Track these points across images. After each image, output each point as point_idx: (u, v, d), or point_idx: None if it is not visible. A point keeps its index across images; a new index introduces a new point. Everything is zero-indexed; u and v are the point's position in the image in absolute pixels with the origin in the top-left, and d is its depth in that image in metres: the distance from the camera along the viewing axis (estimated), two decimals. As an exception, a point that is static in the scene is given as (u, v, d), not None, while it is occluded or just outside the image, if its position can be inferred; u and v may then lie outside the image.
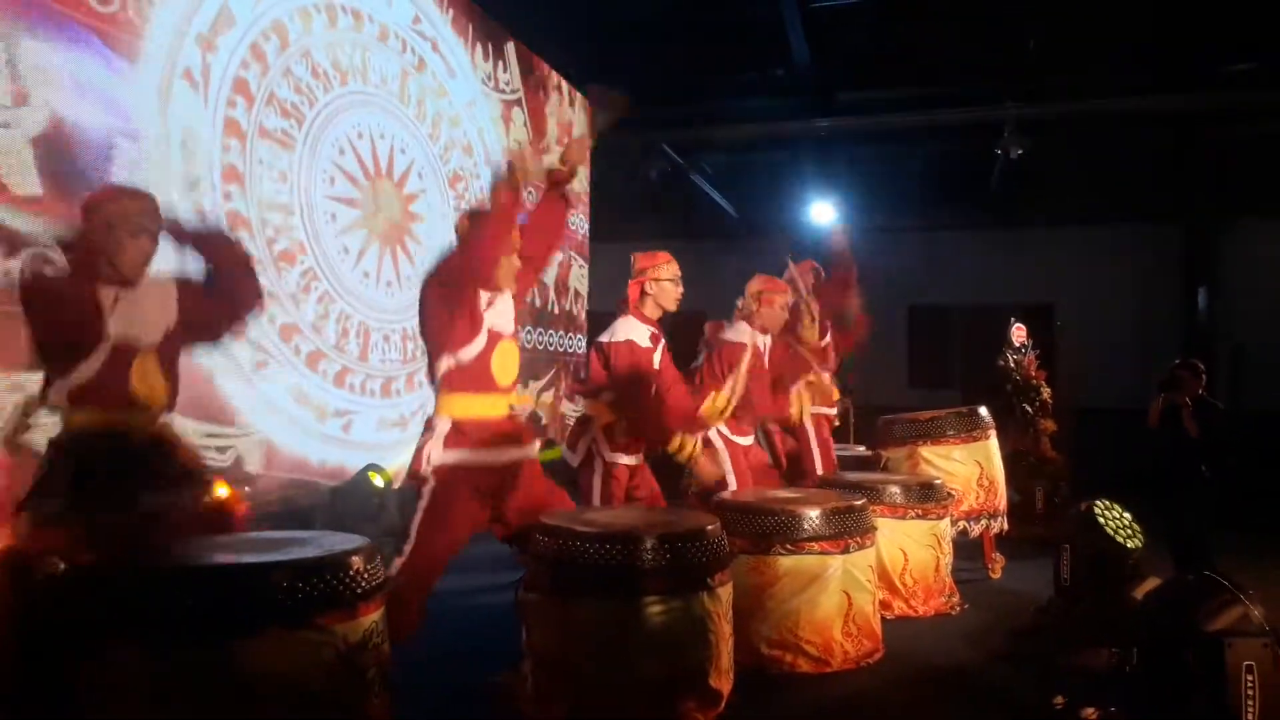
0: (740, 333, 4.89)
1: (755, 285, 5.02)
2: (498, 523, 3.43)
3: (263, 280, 5.17)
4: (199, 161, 4.97)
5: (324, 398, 5.80)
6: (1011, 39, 9.25)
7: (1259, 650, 2.75)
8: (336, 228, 6.02)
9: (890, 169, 11.81)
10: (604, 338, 4.18)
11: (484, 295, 3.38)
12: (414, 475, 3.34)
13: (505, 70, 8.46)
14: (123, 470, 2.84)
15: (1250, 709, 2.72)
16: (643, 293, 4.22)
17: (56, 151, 4.13)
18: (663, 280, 4.21)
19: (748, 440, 4.89)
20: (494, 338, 3.35)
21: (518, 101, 8.67)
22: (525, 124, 8.78)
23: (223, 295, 3.13)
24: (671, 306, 4.26)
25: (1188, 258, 11.84)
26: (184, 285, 3.09)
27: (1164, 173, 11.25)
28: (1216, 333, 11.61)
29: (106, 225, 2.89)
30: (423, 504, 3.27)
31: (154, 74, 4.71)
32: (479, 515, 3.36)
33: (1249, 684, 2.72)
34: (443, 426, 3.32)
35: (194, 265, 3.10)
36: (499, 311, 3.43)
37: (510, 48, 8.52)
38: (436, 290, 3.29)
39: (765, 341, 5.01)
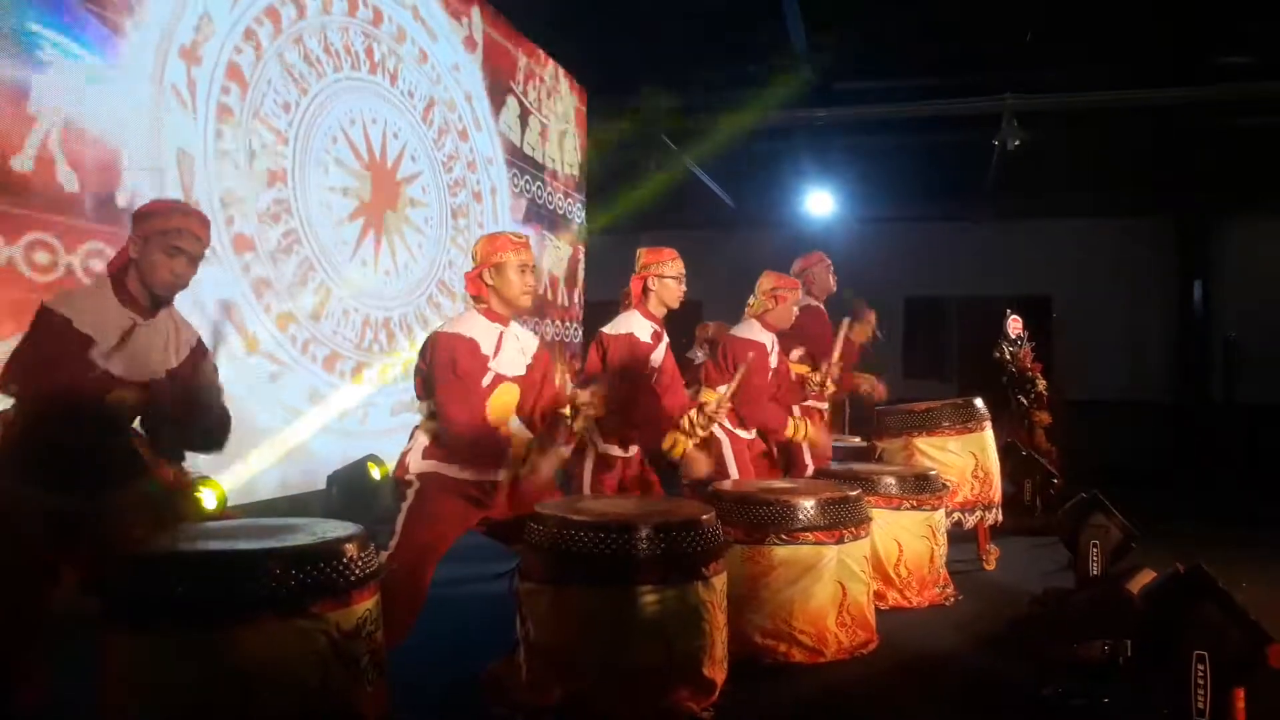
0: (753, 330, 4.86)
1: (767, 282, 4.94)
2: (484, 522, 3.42)
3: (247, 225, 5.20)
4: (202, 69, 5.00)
5: (266, 338, 5.54)
6: (1009, 30, 9.23)
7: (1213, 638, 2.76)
8: (327, 181, 6.02)
9: (887, 160, 11.78)
10: (607, 329, 4.17)
11: (493, 341, 3.36)
12: (397, 480, 3.35)
13: (550, 95, 8.99)
14: (77, 459, 2.74)
15: (1200, 697, 2.74)
16: (645, 288, 4.20)
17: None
18: (666, 277, 4.18)
19: (750, 434, 4.88)
20: (497, 380, 3.34)
21: (564, 128, 9.18)
22: (576, 148, 9.47)
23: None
24: (674, 304, 4.23)
25: (1184, 251, 11.87)
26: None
27: (1161, 166, 11.25)
28: (1211, 326, 11.64)
29: (144, 239, 2.82)
30: (407, 504, 3.26)
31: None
32: (465, 516, 3.34)
33: (1199, 674, 2.73)
34: (423, 438, 3.34)
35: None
36: (508, 355, 3.41)
37: (551, 66, 9.02)
38: (448, 369, 3.24)
39: (774, 341, 4.97)
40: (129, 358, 2.85)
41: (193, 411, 2.96)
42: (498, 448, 3.28)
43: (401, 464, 3.35)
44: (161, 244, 2.81)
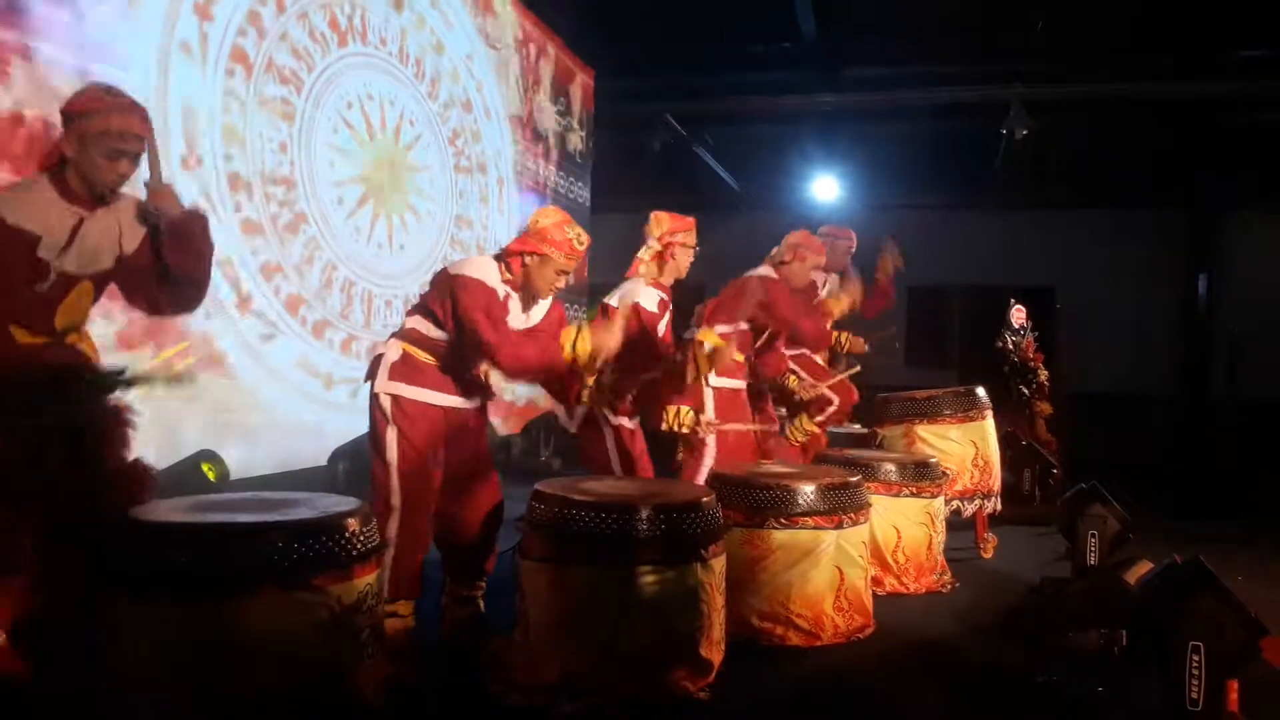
0: (766, 270, 4.84)
1: (795, 238, 4.92)
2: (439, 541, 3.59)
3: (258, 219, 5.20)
4: (200, 138, 4.93)
5: (271, 313, 5.49)
6: (1020, 19, 9.19)
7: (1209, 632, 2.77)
8: (334, 175, 6.00)
9: (894, 146, 11.74)
10: (614, 300, 4.18)
11: (503, 298, 3.44)
12: (372, 393, 3.45)
13: (496, 23, 8.36)
14: (29, 382, 2.67)
15: (1194, 687, 2.75)
16: (663, 256, 4.22)
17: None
18: (688, 246, 4.25)
19: (739, 384, 4.76)
20: None
21: (511, 59, 8.61)
22: (517, 81, 8.67)
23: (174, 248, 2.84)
24: (684, 274, 4.29)
25: (1189, 245, 11.84)
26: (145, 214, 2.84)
27: (1168, 159, 11.20)
28: (1214, 321, 11.62)
29: (80, 140, 2.65)
30: (393, 461, 3.34)
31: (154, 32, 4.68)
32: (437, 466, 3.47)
33: (1194, 665, 2.75)
34: (393, 353, 3.43)
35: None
36: (510, 316, 3.49)
37: (571, 60, 8.69)
38: (481, 313, 3.32)
39: None
40: (80, 253, 2.73)
41: (154, 282, 2.91)
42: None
43: (373, 373, 3.47)
44: (102, 147, 2.65)
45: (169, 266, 2.84)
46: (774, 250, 4.96)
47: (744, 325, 4.70)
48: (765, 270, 4.85)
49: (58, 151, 2.71)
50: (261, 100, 5.35)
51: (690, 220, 4.29)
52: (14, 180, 2.80)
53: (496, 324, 3.30)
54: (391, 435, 3.35)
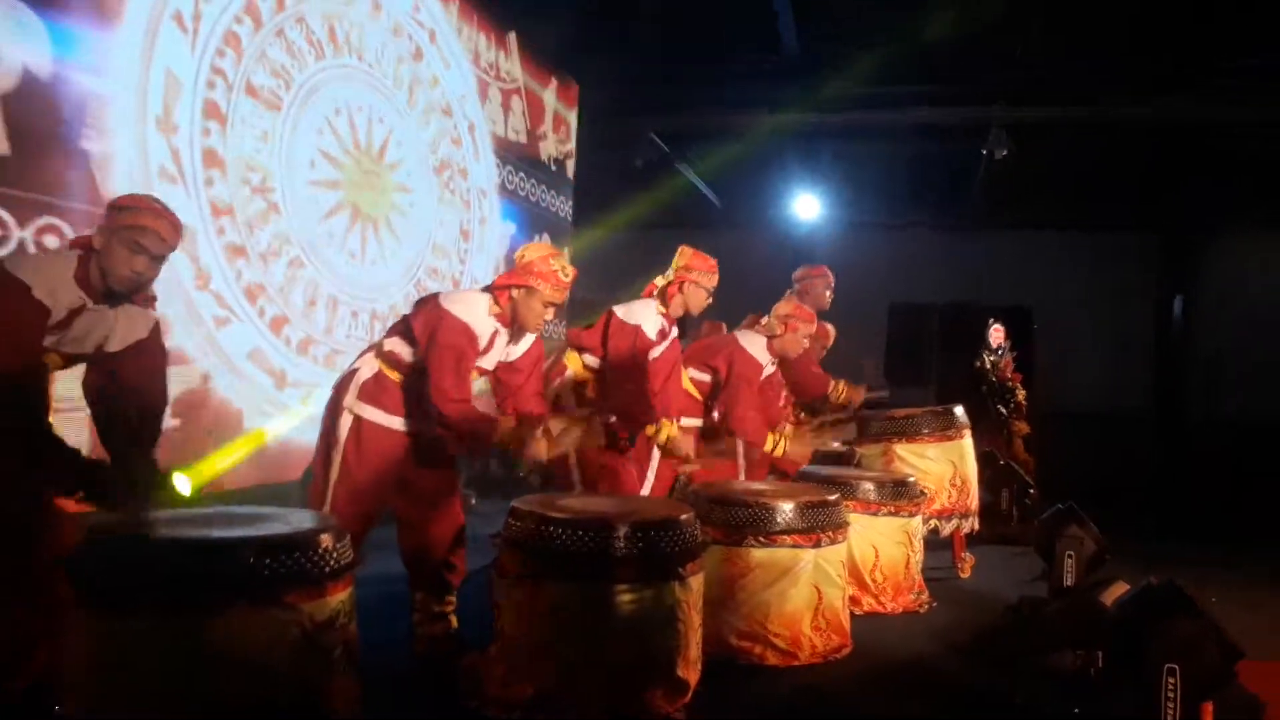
0: (758, 348, 4.82)
1: (785, 308, 4.94)
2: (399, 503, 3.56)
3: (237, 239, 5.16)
4: (180, 106, 4.87)
5: (242, 316, 5.42)
6: (1001, 42, 9.27)
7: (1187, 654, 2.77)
8: (314, 176, 5.95)
9: (875, 165, 11.81)
10: (620, 311, 4.20)
11: (488, 337, 3.45)
12: (334, 401, 3.45)
13: (507, 59, 8.51)
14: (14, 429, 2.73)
15: (1170, 710, 2.75)
16: (679, 289, 4.24)
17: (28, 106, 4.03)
18: (702, 286, 4.28)
19: (695, 421, 4.80)
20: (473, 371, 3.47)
21: (517, 90, 8.71)
22: (524, 112, 8.81)
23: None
24: (696, 312, 4.37)
25: (1166, 267, 11.95)
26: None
27: (1147, 182, 11.32)
28: (1190, 343, 11.72)
29: (110, 231, 2.77)
30: (340, 447, 3.37)
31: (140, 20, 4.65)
32: (398, 471, 3.46)
33: (1170, 686, 2.75)
34: (367, 370, 3.42)
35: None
36: (494, 353, 3.52)
37: (511, 36, 8.58)
38: (451, 353, 3.32)
39: (774, 364, 4.96)
40: (69, 335, 2.81)
41: (114, 399, 2.97)
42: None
43: (344, 385, 3.44)
44: (126, 239, 2.76)
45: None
46: (764, 320, 4.97)
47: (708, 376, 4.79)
48: (755, 343, 4.82)
49: (89, 240, 2.82)
50: (249, 86, 5.32)
51: (712, 262, 4.31)
52: (51, 250, 2.90)
53: (461, 375, 3.30)
54: (337, 457, 3.36)
